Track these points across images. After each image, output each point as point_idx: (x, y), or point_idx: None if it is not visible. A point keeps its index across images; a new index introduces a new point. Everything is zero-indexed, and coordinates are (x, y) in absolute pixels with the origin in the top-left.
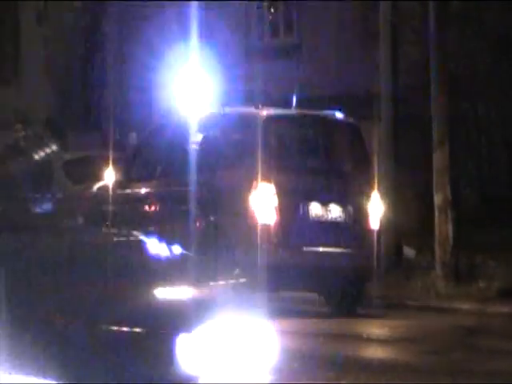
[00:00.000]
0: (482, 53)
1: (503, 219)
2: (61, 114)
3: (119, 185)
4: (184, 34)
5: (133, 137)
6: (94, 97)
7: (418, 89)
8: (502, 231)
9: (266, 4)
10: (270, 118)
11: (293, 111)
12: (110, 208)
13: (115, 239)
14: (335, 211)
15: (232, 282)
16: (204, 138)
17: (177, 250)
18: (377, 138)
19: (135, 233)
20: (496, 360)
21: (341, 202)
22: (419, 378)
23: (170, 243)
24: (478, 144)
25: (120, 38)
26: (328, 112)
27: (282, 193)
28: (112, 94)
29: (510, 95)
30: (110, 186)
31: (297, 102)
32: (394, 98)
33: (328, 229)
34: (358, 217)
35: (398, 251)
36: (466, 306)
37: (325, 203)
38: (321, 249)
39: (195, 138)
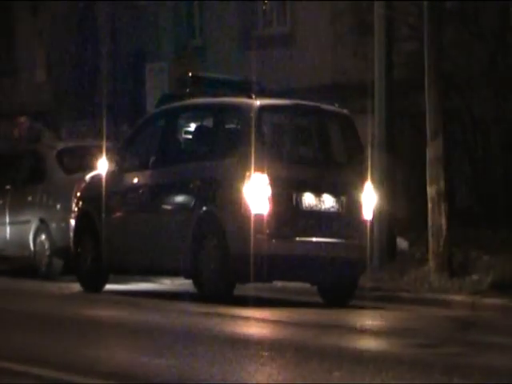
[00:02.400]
0: (478, 51)
1: (497, 216)
2: (55, 104)
3: (112, 175)
4: (178, 23)
5: (124, 129)
6: (88, 87)
7: (412, 81)
8: (495, 228)
9: None
10: (263, 108)
11: (286, 101)
12: (103, 198)
13: None
14: (328, 202)
15: None
16: (197, 127)
17: None
18: (370, 128)
19: None
20: (488, 353)
21: (334, 192)
22: (412, 370)
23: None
24: (473, 142)
25: (113, 26)
26: (321, 102)
27: (275, 183)
28: (106, 84)
29: (506, 94)
30: (103, 176)
31: (290, 91)
32: (388, 91)
33: (321, 219)
34: (351, 207)
35: (392, 243)
36: (459, 298)
37: (318, 193)
38: (314, 239)
39: (189, 128)
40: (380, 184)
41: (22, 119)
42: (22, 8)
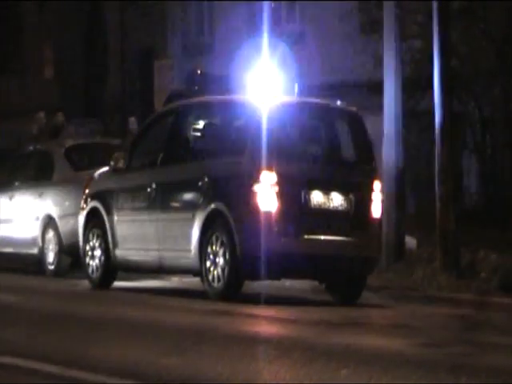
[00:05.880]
0: (487, 51)
1: (505, 216)
2: (63, 101)
3: (120, 172)
4: (187, 20)
5: (132, 121)
6: (95, 84)
7: (421, 80)
8: (503, 227)
9: None
10: (272, 106)
11: (295, 99)
12: (112, 195)
13: None
14: (337, 200)
15: None
16: (206, 125)
17: None
18: (379, 126)
19: None
20: (495, 352)
21: (343, 190)
22: (419, 369)
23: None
24: (481, 141)
25: (121, 23)
26: (330, 100)
27: (283, 181)
28: (114, 81)
29: None
30: (112, 173)
31: (299, 89)
32: (397, 89)
33: (329, 217)
34: (359, 206)
35: (400, 241)
36: (466, 297)
37: (327, 191)
38: (322, 237)
39: (197, 125)
40: (389, 182)
41: (41, 115)
42: (30, 5)
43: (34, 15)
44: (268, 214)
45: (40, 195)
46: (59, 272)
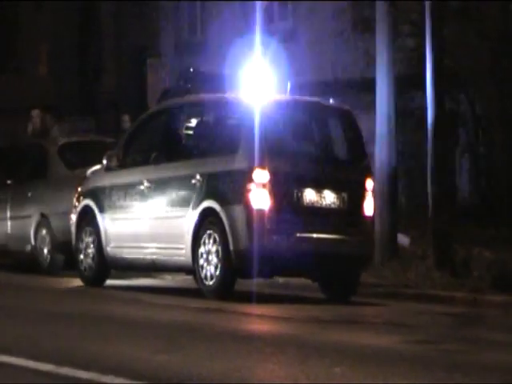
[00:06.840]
0: (481, 50)
1: (499, 214)
2: (57, 99)
3: (113, 170)
4: (179, 18)
5: (125, 119)
6: (90, 82)
7: (414, 78)
8: (497, 225)
9: None
10: (264, 104)
11: (288, 97)
12: (105, 193)
13: None
14: (330, 198)
15: None
16: (199, 123)
17: None
18: (371, 124)
19: None
20: (490, 350)
21: (335, 188)
22: (413, 367)
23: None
24: (475, 139)
25: (115, 21)
26: (323, 98)
27: (276, 179)
28: (107, 79)
29: (509, 92)
30: (105, 171)
31: (291, 88)
32: (390, 87)
33: (322, 215)
34: (352, 203)
35: (393, 239)
36: (460, 295)
37: (319, 189)
38: (315, 235)
39: (190, 124)
40: (381, 180)
41: (35, 113)
42: (27, 3)
43: (31, 14)
44: (261, 211)
45: (33, 193)
46: (52, 270)
